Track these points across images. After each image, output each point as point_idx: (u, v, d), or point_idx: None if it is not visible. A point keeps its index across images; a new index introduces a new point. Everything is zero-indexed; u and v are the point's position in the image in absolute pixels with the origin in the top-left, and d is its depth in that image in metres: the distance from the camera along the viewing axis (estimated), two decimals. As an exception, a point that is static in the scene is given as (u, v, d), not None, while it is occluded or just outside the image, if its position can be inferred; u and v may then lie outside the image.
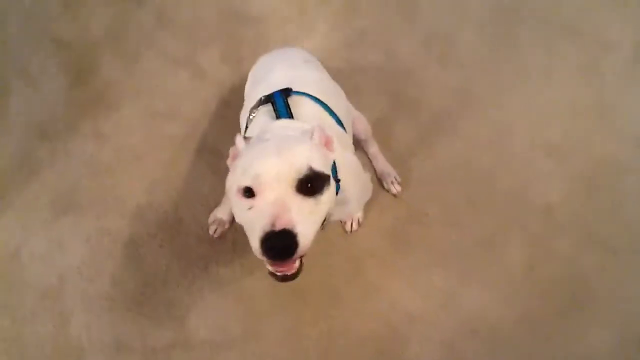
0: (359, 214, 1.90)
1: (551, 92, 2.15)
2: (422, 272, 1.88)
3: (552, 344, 1.78)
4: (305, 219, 1.00)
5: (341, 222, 1.92)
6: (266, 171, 0.99)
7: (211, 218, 1.92)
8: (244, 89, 1.80)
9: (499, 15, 2.29)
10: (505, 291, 1.85)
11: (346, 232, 1.92)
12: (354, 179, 1.37)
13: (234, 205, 1.06)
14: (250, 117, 1.39)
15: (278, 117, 1.29)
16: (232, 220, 1.91)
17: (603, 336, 1.77)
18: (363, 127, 1.89)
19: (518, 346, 1.78)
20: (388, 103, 2.14)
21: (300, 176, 1.00)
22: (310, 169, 1.02)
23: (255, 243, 0.98)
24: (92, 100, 2.22)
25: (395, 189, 1.97)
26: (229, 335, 1.80)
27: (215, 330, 1.81)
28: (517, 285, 1.86)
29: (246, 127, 1.44)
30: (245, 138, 1.14)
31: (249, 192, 1.01)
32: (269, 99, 1.35)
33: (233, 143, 1.47)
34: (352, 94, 1.73)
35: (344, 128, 1.47)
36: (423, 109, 2.13)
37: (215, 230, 1.90)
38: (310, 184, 1.02)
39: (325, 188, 1.06)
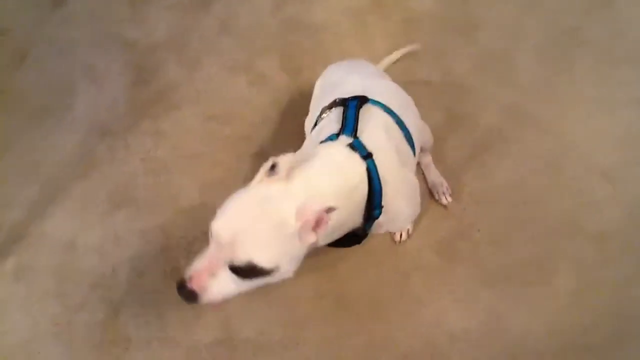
0: (408, 225, 1.90)
1: (608, 119, 2.11)
2: (467, 290, 1.86)
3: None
4: (222, 286, 1.13)
5: (390, 232, 1.91)
6: (218, 235, 1.09)
7: None
8: (301, 97, 1.83)
9: (556, 38, 2.27)
10: (550, 318, 1.81)
11: (395, 242, 1.92)
12: (406, 200, 1.38)
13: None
14: (322, 116, 1.40)
15: (343, 126, 1.28)
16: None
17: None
18: (427, 136, 1.87)
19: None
20: (442, 118, 2.14)
21: (234, 264, 1.08)
22: (250, 264, 1.06)
23: (186, 271, 1.15)
24: (152, 100, 2.29)
25: (446, 199, 1.97)
26: (270, 338, 1.82)
27: (258, 333, 1.83)
28: (562, 313, 1.81)
29: (315, 125, 1.46)
30: (273, 168, 1.14)
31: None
32: (343, 103, 1.36)
33: (287, 150, 1.49)
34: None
35: (412, 144, 1.45)
36: (477, 127, 2.12)
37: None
38: (243, 272, 1.09)
39: (258, 279, 1.11)
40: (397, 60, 2.18)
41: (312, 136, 1.40)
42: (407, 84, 2.13)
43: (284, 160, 1.13)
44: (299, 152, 1.38)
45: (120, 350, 1.83)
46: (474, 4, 2.44)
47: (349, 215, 1.22)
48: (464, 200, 1.99)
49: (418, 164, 2.00)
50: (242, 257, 1.06)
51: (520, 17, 2.38)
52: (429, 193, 2.00)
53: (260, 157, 2.09)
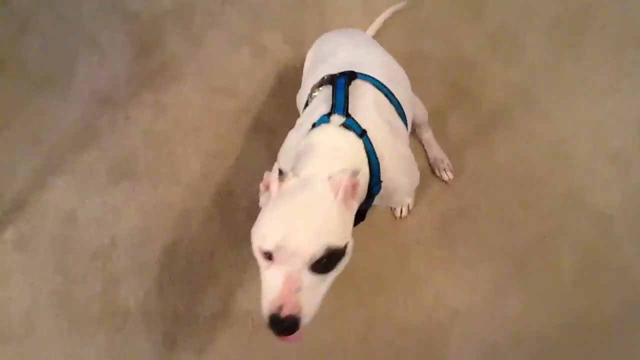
0: (409, 200, 1.88)
1: (617, 102, 2.07)
2: (468, 267, 1.85)
3: (595, 358, 1.73)
4: (312, 295, 1.04)
5: (391, 208, 1.90)
6: (284, 246, 1.00)
7: (261, 187, 1.92)
8: (302, 68, 1.79)
9: (566, 19, 2.22)
10: (552, 297, 1.80)
11: (396, 217, 1.90)
12: (402, 174, 1.36)
13: (255, 255, 1.08)
14: (312, 95, 1.38)
15: (333, 106, 1.26)
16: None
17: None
18: (420, 110, 1.84)
19: (560, 356, 1.73)
20: (446, 93, 2.11)
21: (316, 259, 1.01)
22: (328, 249, 1.01)
23: (263, 308, 1.04)
24: (155, 72, 2.26)
25: (448, 175, 1.95)
26: (271, 312, 1.81)
27: (259, 307, 1.80)
28: (564, 293, 1.81)
29: (306, 104, 1.43)
30: (280, 172, 1.11)
31: (268, 255, 1.03)
32: (331, 81, 1.33)
33: (287, 122, 1.48)
34: (411, 80, 1.70)
35: (404, 117, 1.44)
36: (482, 103, 2.09)
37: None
38: (325, 264, 1.03)
39: (338, 264, 1.07)
40: (387, 18, 2.16)
41: (304, 117, 1.37)
42: (411, 57, 2.13)
43: (283, 165, 1.13)
44: (294, 131, 1.38)
45: (119, 321, 1.84)
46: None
47: (361, 192, 1.21)
48: (465, 177, 1.97)
49: (420, 140, 1.99)
50: (319, 247, 1.00)
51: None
52: (430, 169, 1.98)
53: (263, 130, 2.09)
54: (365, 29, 2.11)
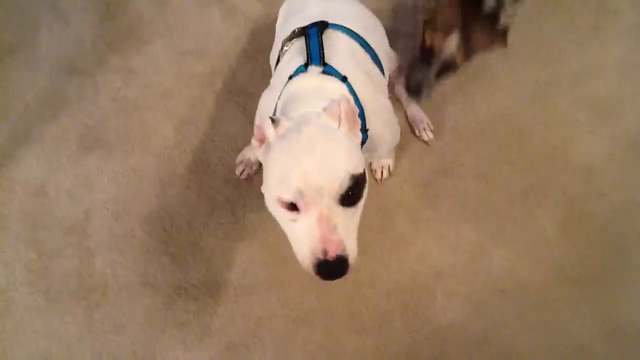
0: (389, 161, 1.84)
1: (599, 49, 2.04)
2: (451, 226, 1.83)
3: (581, 309, 1.74)
4: (350, 230, 0.99)
5: (371, 170, 1.86)
6: (308, 186, 0.94)
7: (239, 158, 1.88)
8: (274, 27, 1.73)
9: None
10: (536, 251, 1.80)
11: (376, 180, 1.86)
12: (384, 125, 1.34)
13: (274, 213, 1.02)
14: (284, 49, 1.33)
15: (309, 57, 1.22)
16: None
17: (636, 306, 1.72)
18: (397, 64, 1.79)
19: (545, 309, 1.74)
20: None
21: (343, 191, 0.95)
22: (352, 177, 0.96)
23: (304, 260, 0.98)
24: (121, 36, 2.16)
25: (428, 135, 1.91)
26: (253, 280, 1.79)
27: (240, 274, 1.79)
28: (548, 247, 1.81)
29: (277, 61, 1.39)
30: (272, 121, 1.03)
31: (291, 205, 0.97)
32: (303, 32, 1.29)
33: (263, 84, 1.42)
34: (391, 35, 1.65)
35: (382, 67, 1.40)
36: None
37: (243, 171, 1.87)
38: (352, 193, 0.97)
39: (364, 190, 1.02)
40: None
41: (278, 73, 1.32)
42: (392, 11, 2.06)
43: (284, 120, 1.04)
44: (269, 90, 1.34)
45: (98, 296, 1.80)
46: None
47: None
48: (446, 135, 1.94)
49: (398, 99, 1.95)
50: (343, 177, 0.96)
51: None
52: (409, 129, 1.94)
53: (237, 93, 2.02)
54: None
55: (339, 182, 0.95)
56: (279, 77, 1.29)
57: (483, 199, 1.86)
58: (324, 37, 1.26)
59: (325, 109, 1.03)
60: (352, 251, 0.98)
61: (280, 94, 1.21)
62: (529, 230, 1.82)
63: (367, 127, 1.21)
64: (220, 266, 1.81)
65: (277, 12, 1.69)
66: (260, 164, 1.87)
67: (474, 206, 1.85)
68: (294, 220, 0.98)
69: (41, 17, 2.23)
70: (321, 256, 0.95)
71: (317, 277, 0.98)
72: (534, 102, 1.97)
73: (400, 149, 1.85)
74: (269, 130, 1.03)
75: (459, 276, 1.78)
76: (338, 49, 1.26)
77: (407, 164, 1.89)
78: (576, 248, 1.79)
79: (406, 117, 1.94)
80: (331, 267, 0.95)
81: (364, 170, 1.03)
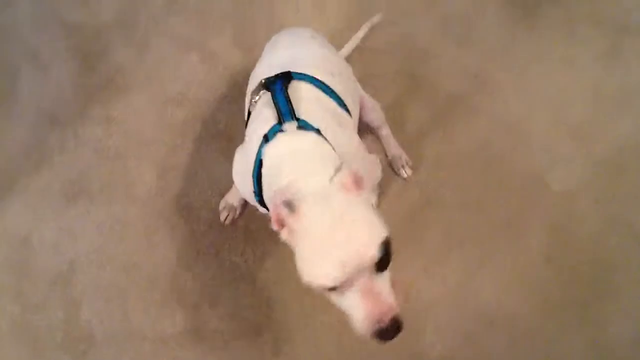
0: (373, 199, 1.85)
1: (572, 76, 2.09)
2: (438, 258, 1.84)
3: (571, 334, 1.74)
4: (388, 289, 1.04)
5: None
6: (345, 273, 0.96)
7: (222, 204, 1.89)
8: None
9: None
10: (524, 279, 1.81)
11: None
12: (362, 163, 1.33)
13: (318, 290, 1.03)
14: (252, 101, 1.35)
15: (279, 114, 1.22)
16: (244, 206, 1.88)
17: (625, 327, 1.73)
18: (377, 113, 1.84)
19: (536, 336, 1.74)
20: (402, 85, 2.09)
21: (377, 259, 0.98)
22: (382, 244, 0.99)
23: (363, 330, 1.01)
24: (101, 85, 2.18)
25: (406, 172, 1.93)
26: (241, 324, 1.78)
27: (227, 320, 1.78)
28: (535, 273, 1.81)
29: (248, 114, 1.40)
30: (288, 205, 1.03)
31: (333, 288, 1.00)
32: (266, 86, 1.30)
33: (244, 128, 1.44)
34: (365, 76, 1.69)
35: (348, 110, 1.41)
36: (439, 91, 2.08)
37: (227, 217, 1.87)
38: (384, 258, 1.00)
39: (391, 248, 1.03)
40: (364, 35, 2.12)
41: (251, 129, 1.33)
42: (364, 53, 2.11)
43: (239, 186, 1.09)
44: (241, 149, 1.39)
45: (85, 347, 1.77)
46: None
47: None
48: (427, 167, 1.96)
49: (377, 137, 1.97)
50: (375, 247, 0.98)
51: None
52: (389, 167, 1.96)
53: (219, 137, 2.04)
54: (319, 24, 2.10)
55: (373, 254, 0.97)
56: (253, 134, 1.29)
57: (467, 228, 1.87)
58: (289, 90, 1.27)
59: (331, 181, 1.04)
60: (397, 306, 1.03)
61: (261, 159, 1.21)
62: (515, 257, 1.83)
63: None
64: (207, 312, 1.80)
65: (256, 56, 1.71)
66: (243, 208, 1.88)
67: (458, 237, 1.87)
68: (339, 295, 1.01)
69: (21, 67, 2.25)
70: (378, 325, 0.99)
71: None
72: (512, 130, 2.01)
73: (382, 186, 1.88)
74: (288, 220, 1.03)
75: (447, 309, 1.78)
76: (305, 100, 1.27)
77: (389, 201, 1.91)
78: (562, 273, 1.80)
79: (386, 155, 1.97)
80: (389, 333, 1.01)
81: (387, 230, 1.04)
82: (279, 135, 1.20)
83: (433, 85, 2.09)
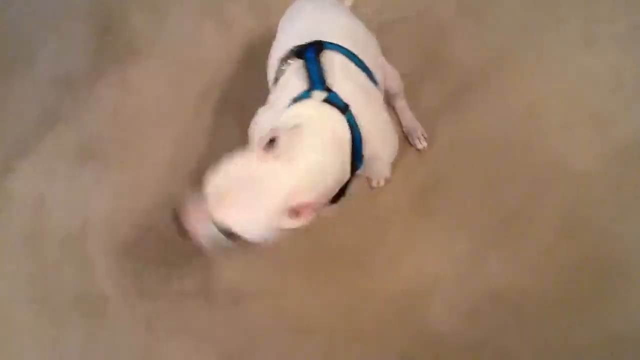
0: (386, 172, 1.86)
1: (592, 60, 2.04)
2: (446, 236, 1.84)
3: (579, 320, 1.73)
4: (209, 235, 1.15)
5: (367, 178, 1.88)
6: (208, 193, 1.11)
7: None
8: (271, 41, 1.75)
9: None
10: (534, 262, 1.80)
11: (371, 187, 1.89)
12: (384, 143, 1.36)
13: None
14: (282, 68, 1.34)
15: (311, 82, 1.24)
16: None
17: (636, 316, 1.72)
18: (396, 82, 1.81)
19: (545, 320, 1.74)
20: (418, 61, 2.07)
21: (215, 224, 1.10)
22: (227, 229, 1.10)
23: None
24: (118, 50, 2.19)
25: (422, 144, 1.93)
26: (250, 288, 1.81)
27: (237, 282, 1.81)
28: (547, 257, 1.80)
29: (275, 79, 1.39)
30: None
31: None
32: (300, 54, 1.30)
33: (259, 97, 1.45)
34: (382, 50, 1.67)
35: (377, 83, 1.41)
36: (455, 70, 2.05)
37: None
38: (222, 232, 1.11)
39: (237, 241, 1.12)
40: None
41: (278, 93, 1.34)
42: (381, 25, 2.09)
43: (283, 138, 1.09)
44: (268, 109, 1.39)
45: (99, 306, 1.81)
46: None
47: (344, 173, 1.21)
48: (441, 145, 1.94)
49: (393, 108, 1.96)
50: (222, 221, 1.08)
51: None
52: (404, 138, 1.95)
53: (233, 105, 2.04)
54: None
55: (217, 218, 1.09)
56: (280, 96, 1.30)
57: (479, 208, 1.87)
58: (322, 59, 1.28)
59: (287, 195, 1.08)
60: (197, 239, 1.18)
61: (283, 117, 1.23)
62: (527, 240, 1.82)
63: (363, 153, 1.23)
64: (217, 274, 1.82)
65: (272, 23, 1.71)
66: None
67: (469, 215, 1.86)
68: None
69: (38, 32, 2.26)
70: (179, 213, 1.18)
71: None
72: (529, 112, 1.98)
73: (395, 158, 1.88)
74: (257, 144, 1.11)
75: (455, 285, 1.79)
76: (337, 71, 1.27)
77: (401, 175, 1.90)
78: (575, 257, 1.79)
79: (401, 126, 1.96)
80: (177, 225, 1.20)
81: (250, 238, 1.12)
82: (305, 100, 1.21)
83: (449, 63, 2.07)
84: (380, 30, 2.05)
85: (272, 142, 1.08)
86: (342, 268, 1.82)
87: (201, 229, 1.15)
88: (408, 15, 2.15)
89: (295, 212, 1.08)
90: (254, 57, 2.09)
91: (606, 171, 1.89)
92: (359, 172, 1.30)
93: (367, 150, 1.24)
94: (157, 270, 1.84)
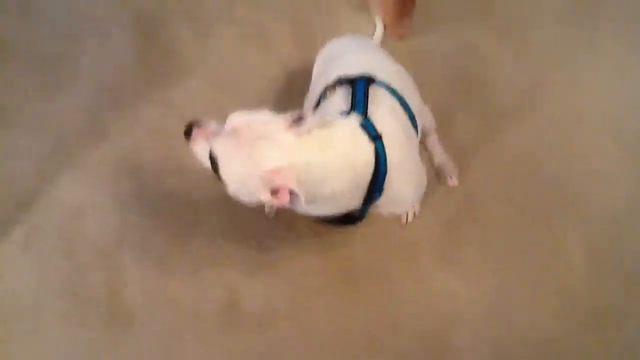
0: (415, 206, 1.89)
1: (628, 89, 2.07)
2: (475, 268, 1.86)
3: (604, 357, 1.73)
4: (203, 154, 1.29)
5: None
6: (227, 123, 1.25)
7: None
8: (309, 71, 1.80)
9: (577, 6, 2.23)
10: (561, 301, 1.81)
11: (402, 223, 1.91)
12: (411, 183, 1.38)
13: None
14: (327, 94, 1.39)
15: (353, 106, 1.28)
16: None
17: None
18: (428, 120, 1.86)
19: (568, 357, 1.75)
20: (454, 90, 2.12)
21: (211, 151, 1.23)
22: (214, 160, 1.23)
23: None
24: (163, 68, 2.27)
25: (453, 182, 1.95)
26: (276, 309, 1.84)
27: (264, 303, 1.85)
28: (574, 294, 1.81)
29: (318, 103, 1.44)
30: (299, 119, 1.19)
31: None
32: (349, 82, 1.34)
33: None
34: (416, 80, 1.72)
35: (416, 126, 1.45)
36: (490, 100, 2.10)
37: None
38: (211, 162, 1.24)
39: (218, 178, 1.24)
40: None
41: (319, 114, 1.38)
42: (417, 55, 2.13)
43: (311, 120, 1.15)
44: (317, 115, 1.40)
45: (127, 314, 1.85)
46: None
47: (348, 194, 1.23)
48: (471, 178, 1.98)
49: (423, 143, 1.98)
50: (214, 150, 1.22)
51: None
52: (435, 173, 1.99)
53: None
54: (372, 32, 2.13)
55: (214, 148, 1.22)
56: (324, 107, 1.37)
57: (508, 242, 1.89)
58: (370, 91, 1.31)
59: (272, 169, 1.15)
60: (195, 150, 1.33)
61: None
62: (554, 275, 1.84)
63: (387, 186, 1.25)
64: (244, 293, 1.86)
65: (312, 55, 1.77)
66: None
67: (498, 249, 1.88)
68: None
69: (86, 44, 2.35)
70: (194, 124, 1.33)
71: None
72: (562, 145, 2.01)
73: (426, 193, 1.89)
74: (287, 118, 1.22)
75: (480, 319, 1.80)
76: (381, 104, 1.31)
77: (432, 204, 1.93)
78: (603, 297, 1.80)
79: (432, 162, 1.99)
80: (188, 131, 1.33)
81: (227, 184, 1.23)
82: (340, 117, 1.26)
83: (484, 93, 2.11)
84: (416, 58, 2.11)
85: (300, 119, 1.15)
86: (368, 291, 1.85)
87: (199, 146, 1.28)
88: (445, 43, 2.21)
89: (273, 189, 1.13)
90: (291, 84, 2.16)
91: (633, 206, 1.90)
92: (376, 208, 1.33)
93: (391, 186, 1.26)
94: (186, 284, 1.88)
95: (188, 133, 1.31)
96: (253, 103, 2.09)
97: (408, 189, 1.37)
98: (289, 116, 1.18)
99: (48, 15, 2.40)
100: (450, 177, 1.96)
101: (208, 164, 1.25)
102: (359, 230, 1.88)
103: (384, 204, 1.32)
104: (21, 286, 1.90)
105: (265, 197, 1.15)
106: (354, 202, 1.27)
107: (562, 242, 1.88)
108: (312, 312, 1.83)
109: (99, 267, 1.93)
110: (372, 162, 1.22)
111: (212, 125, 1.28)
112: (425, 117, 1.80)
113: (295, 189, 1.11)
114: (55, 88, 2.26)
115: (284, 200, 1.13)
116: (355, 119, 1.24)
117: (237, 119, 1.22)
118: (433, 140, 1.98)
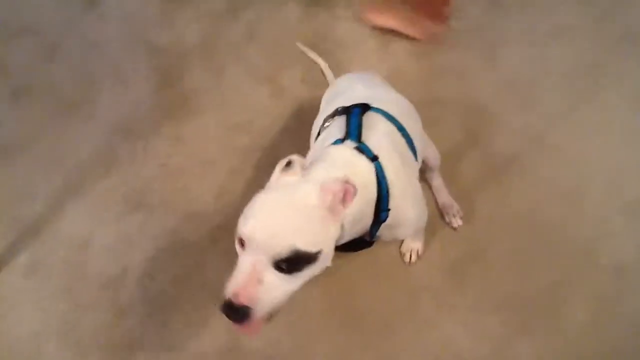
0: (418, 245, 1.89)
1: (632, 150, 2.07)
2: (477, 315, 1.83)
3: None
4: (272, 291, 1.03)
5: (400, 253, 1.91)
6: (252, 236, 1.02)
7: None
8: (318, 110, 1.83)
9: (581, 68, 2.25)
10: (563, 350, 1.77)
11: (405, 262, 1.90)
12: (411, 205, 1.37)
13: (235, 237, 1.10)
14: (325, 125, 1.42)
15: (347, 133, 1.29)
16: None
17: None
18: (433, 155, 1.86)
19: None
20: (460, 138, 2.13)
21: (280, 258, 1.01)
22: (295, 251, 1.01)
23: (225, 290, 1.03)
24: (176, 105, 2.32)
25: (457, 222, 1.94)
26: (279, 349, 1.81)
27: (266, 343, 1.82)
28: (575, 346, 1.77)
29: (318, 134, 1.47)
30: (288, 164, 1.16)
31: (242, 241, 1.05)
32: (346, 111, 1.37)
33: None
34: (425, 124, 1.73)
35: (415, 151, 1.46)
36: (496, 149, 2.10)
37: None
38: (290, 265, 1.02)
39: (306, 267, 1.05)
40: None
41: (317, 145, 1.41)
42: (427, 102, 2.15)
43: (299, 159, 1.15)
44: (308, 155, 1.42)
45: (125, 354, 1.84)
46: (493, 29, 2.43)
47: (362, 213, 1.21)
48: (477, 222, 1.96)
49: (429, 185, 2.00)
50: (285, 246, 1.00)
51: (545, 47, 2.36)
52: (440, 215, 1.98)
53: (274, 165, 2.09)
54: (382, 73, 2.16)
55: (279, 249, 1.00)
56: (316, 147, 1.38)
57: (511, 289, 1.86)
58: (364, 117, 1.33)
59: (322, 185, 1.07)
60: (260, 309, 1.02)
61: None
62: (556, 326, 1.80)
63: (390, 207, 1.25)
64: (244, 336, 1.81)
65: (321, 94, 1.80)
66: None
67: (500, 297, 1.85)
68: (240, 254, 1.06)
69: (104, 80, 2.42)
70: (232, 298, 1.00)
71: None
72: (566, 197, 1.99)
73: (430, 234, 1.89)
74: (275, 174, 1.17)
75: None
76: (375, 129, 1.32)
77: (435, 249, 1.92)
78: (604, 348, 1.75)
79: (436, 203, 1.99)
80: (232, 310, 1.00)
81: (320, 252, 1.05)
82: (337, 144, 1.27)
83: (490, 142, 2.12)
84: (426, 104, 2.12)
85: (288, 165, 1.15)
86: (370, 335, 1.82)
87: (265, 292, 1.02)
88: (453, 92, 2.23)
89: (338, 199, 1.07)
90: (300, 123, 2.18)
91: (637, 264, 1.87)
92: (381, 231, 1.31)
93: (394, 206, 1.25)
94: (187, 324, 1.87)
95: (233, 308, 1.02)
96: (263, 141, 2.17)
97: (409, 208, 1.35)
98: (278, 168, 1.18)
99: (72, 60, 2.51)
100: (455, 218, 1.95)
101: (289, 281, 1.05)
102: (363, 274, 1.88)
103: (391, 225, 1.30)
104: (23, 313, 1.93)
105: (335, 221, 1.09)
106: (366, 223, 1.26)
107: (565, 290, 1.85)
108: (312, 352, 1.80)
109: (100, 302, 1.93)
110: (374, 181, 1.22)
111: (245, 268, 1.03)
112: (428, 151, 1.81)
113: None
114: (72, 121, 2.33)
115: (350, 201, 1.09)
116: (349, 145, 1.25)
117: (252, 220, 1.05)
118: (438, 183, 1.98)
